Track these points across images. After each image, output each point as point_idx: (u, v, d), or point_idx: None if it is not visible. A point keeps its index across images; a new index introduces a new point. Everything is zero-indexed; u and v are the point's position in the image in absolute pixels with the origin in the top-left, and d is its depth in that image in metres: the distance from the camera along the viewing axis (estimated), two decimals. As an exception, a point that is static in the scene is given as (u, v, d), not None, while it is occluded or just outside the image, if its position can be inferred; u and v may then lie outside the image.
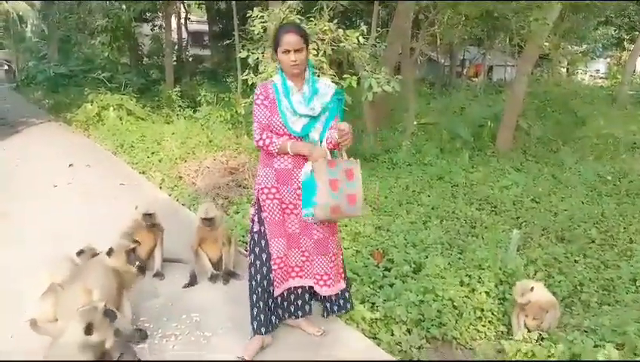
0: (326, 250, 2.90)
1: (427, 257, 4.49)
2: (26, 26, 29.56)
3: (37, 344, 2.88)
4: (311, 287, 3.00)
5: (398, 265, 4.28)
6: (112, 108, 11.96)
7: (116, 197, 6.35)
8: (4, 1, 16.85)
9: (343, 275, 3.08)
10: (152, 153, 8.74)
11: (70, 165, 7.99)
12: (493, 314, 3.78)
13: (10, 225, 5.23)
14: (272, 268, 2.83)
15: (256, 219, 2.91)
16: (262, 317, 2.88)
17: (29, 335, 2.98)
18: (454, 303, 3.72)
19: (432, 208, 6.21)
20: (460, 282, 4.00)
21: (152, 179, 7.37)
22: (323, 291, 2.94)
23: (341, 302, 3.12)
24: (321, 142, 2.79)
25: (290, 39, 2.69)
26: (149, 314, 3.43)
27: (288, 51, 2.69)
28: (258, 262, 2.88)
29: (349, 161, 2.82)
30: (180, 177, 7.39)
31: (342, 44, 6.78)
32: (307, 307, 3.10)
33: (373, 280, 4.01)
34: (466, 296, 3.84)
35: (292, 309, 3.06)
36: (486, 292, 3.92)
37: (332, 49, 6.88)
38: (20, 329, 3.07)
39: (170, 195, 6.63)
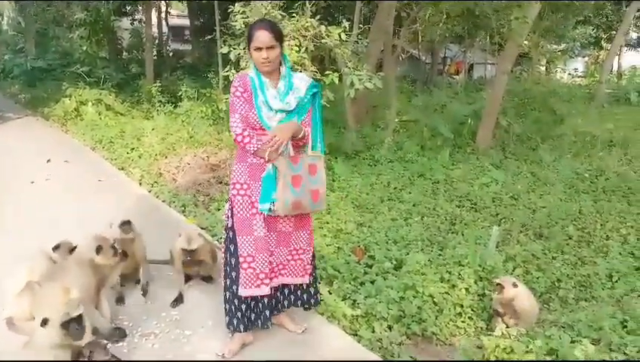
0: (287, 243, 2.91)
1: (408, 254, 4.51)
2: (2, 19, 28.97)
3: (14, 342, 2.84)
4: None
5: (379, 261, 4.29)
6: (90, 103, 11.79)
7: (95, 193, 6.27)
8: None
9: (308, 271, 3.06)
10: (132, 149, 8.64)
11: (48, 161, 7.86)
12: (472, 310, 3.83)
13: (-15, 222, 5.13)
14: (242, 266, 2.80)
15: (229, 214, 2.90)
16: (239, 314, 2.87)
17: (6, 334, 2.93)
18: (434, 299, 3.75)
19: (413, 205, 6.24)
20: (441, 278, 4.02)
21: (131, 175, 7.29)
22: (289, 280, 2.99)
23: (305, 296, 3.16)
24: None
25: (261, 36, 2.65)
26: (127, 313, 3.40)
27: (260, 49, 2.66)
28: (233, 260, 2.86)
29: (313, 155, 2.83)
30: (161, 173, 7.33)
31: (324, 41, 6.76)
32: (286, 302, 3.11)
33: (354, 277, 4.02)
34: (446, 293, 3.87)
35: (267, 312, 2.96)
36: (466, 288, 3.96)
37: (314, 45, 6.86)
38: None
39: (149, 192, 6.56)
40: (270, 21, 2.91)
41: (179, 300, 3.53)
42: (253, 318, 2.93)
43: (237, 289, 2.83)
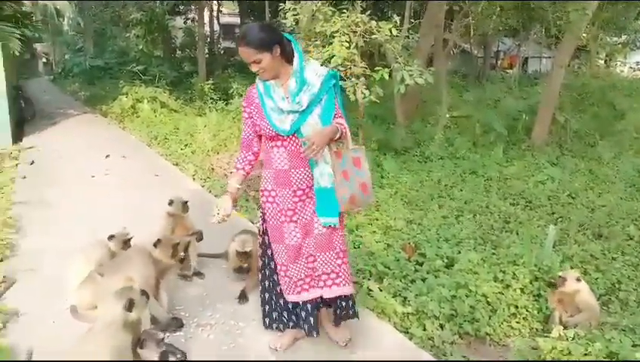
0: (331, 245, 2.72)
1: (460, 252, 4.45)
2: (63, 20, 30.26)
3: (78, 330, 2.97)
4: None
5: (430, 259, 4.25)
6: (146, 101, 12.19)
7: (151, 187, 6.48)
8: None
9: (351, 279, 2.87)
10: (185, 145, 8.88)
11: (107, 156, 8.17)
12: (527, 310, 3.73)
13: (51, 213, 5.39)
14: (280, 273, 2.75)
15: (262, 220, 2.84)
16: (285, 315, 2.86)
17: (69, 322, 3.08)
18: (488, 299, 3.68)
19: (465, 202, 6.13)
20: (494, 278, 3.95)
21: (185, 171, 7.48)
22: (333, 291, 2.73)
23: (348, 305, 2.91)
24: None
25: (242, 53, 2.51)
26: (184, 304, 3.50)
27: (249, 63, 2.53)
28: (272, 264, 2.81)
29: (355, 148, 2.71)
30: (212, 169, 7.49)
31: (374, 36, 6.73)
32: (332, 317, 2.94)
33: (404, 274, 4.00)
34: (499, 292, 3.79)
35: (302, 323, 2.83)
36: (520, 288, 3.86)
37: (364, 41, 6.84)
38: (61, 315, 3.17)
39: (202, 186, 6.71)
40: (250, 30, 2.52)
41: (243, 297, 3.57)
42: (299, 322, 2.84)
43: (278, 293, 2.81)
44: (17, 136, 9.48)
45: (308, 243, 2.70)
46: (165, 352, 2.57)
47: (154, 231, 3.81)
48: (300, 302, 2.76)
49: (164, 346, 2.58)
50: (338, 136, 2.57)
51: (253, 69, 2.52)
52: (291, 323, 2.88)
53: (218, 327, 3.22)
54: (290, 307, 2.83)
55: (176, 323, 3.12)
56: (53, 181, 6.74)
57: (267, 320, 2.94)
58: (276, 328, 2.94)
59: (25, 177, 6.87)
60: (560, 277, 3.55)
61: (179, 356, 2.64)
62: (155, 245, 3.22)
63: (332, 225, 2.65)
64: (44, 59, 33.73)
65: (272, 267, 2.81)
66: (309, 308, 2.76)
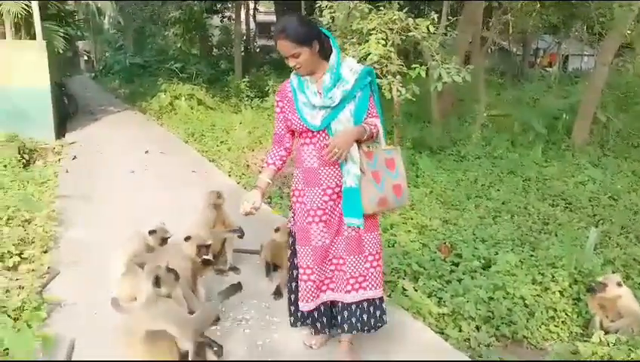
0: (360, 249, 2.62)
1: (497, 253, 4.39)
2: (104, 18, 31.06)
3: (118, 321, 3.06)
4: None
5: (467, 260, 4.20)
6: (183, 98, 12.41)
7: (188, 183, 6.59)
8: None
9: (381, 283, 2.73)
10: (221, 142, 9.01)
11: (146, 152, 8.36)
12: (567, 314, 3.65)
13: (93, 207, 5.55)
14: (301, 278, 2.65)
15: (292, 221, 2.79)
16: (298, 314, 2.81)
17: (110, 313, 3.16)
18: (526, 302, 3.63)
19: (503, 203, 6.03)
20: (532, 280, 3.88)
21: (221, 167, 7.58)
22: (350, 297, 2.63)
23: (365, 317, 2.69)
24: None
25: (280, 47, 2.44)
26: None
27: (287, 57, 2.47)
28: (294, 272, 2.78)
29: (388, 149, 2.63)
30: (248, 165, 7.57)
31: (411, 34, 6.67)
32: (345, 326, 2.70)
33: (440, 275, 3.97)
34: (538, 295, 3.73)
35: (333, 323, 2.78)
36: (560, 291, 3.79)
37: (401, 39, 6.78)
38: (103, 306, 3.26)
39: (238, 183, 6.79)
40: (291, 23, 2.45)
41: (278, 293, 3.58)
42: (314, 322, 2.79)
43: (294, 299, 2.77)
44: (60, 131, 9.78)
45: (337, 244, 2.62)
46: (202, 343, 2.60)
47: (190, 226, 3.88)
48: (328, 302, 2.73)
49: (201, 337, 2.62)
50: (367, 136, 2.51)
51: (291, 63, 2.47)
52: (300, 322, 2.84)
53: (254, 322, 3.25)
54: (316, 315, 2.76)
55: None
56: (95, 175, 6.93)
57: (292, 319, 2.88)
58: (300, 326, 2.89)
59: (68, 171, 7.10)
60: (600, 282, 3.44)
61: (215, 349, 2.68)
62: (185, 240, 3.26)
63: (357, 227, 2.57)
64: (85, 57, 34.70)
65: (294, 275, 2.77)
66: (322, 309, 2.72)
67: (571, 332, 3.54)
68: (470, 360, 2.99)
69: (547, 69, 23.33)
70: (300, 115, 2.54)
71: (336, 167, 2.54)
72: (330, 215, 2.60)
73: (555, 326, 3.55)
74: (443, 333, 3.29)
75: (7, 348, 2.78)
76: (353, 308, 2.68)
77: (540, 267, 4.10)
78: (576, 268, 4.00)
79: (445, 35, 7.80)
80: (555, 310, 3.63)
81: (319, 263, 2.62)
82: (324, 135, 2.53)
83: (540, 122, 9.40)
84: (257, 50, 23.66)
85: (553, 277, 3.92)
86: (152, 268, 2.69)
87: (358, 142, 2.50)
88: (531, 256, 4.44)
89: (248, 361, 2.87)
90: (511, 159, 7.92)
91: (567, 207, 6.11)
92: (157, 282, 2.59)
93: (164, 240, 3.62)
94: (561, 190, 6.58)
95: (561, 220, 5.60)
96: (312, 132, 2.54)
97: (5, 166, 6.92)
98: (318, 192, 2.58)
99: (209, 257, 3.31)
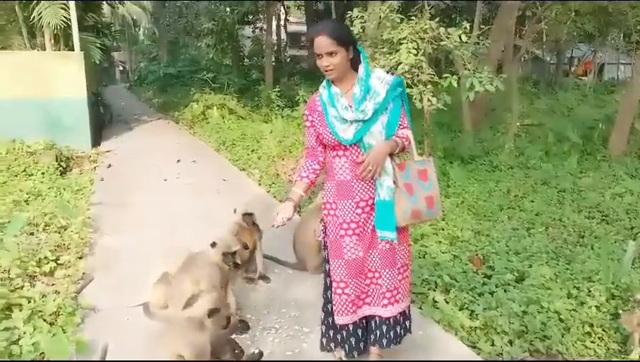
0: (393, 261, 2.59)
1: (531, 266, 4.29)
2: (139, 29, 31.84)
3: (150, 328, 3.10)
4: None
5: (500, 272, 4.12)
6: (215, 108, 12.58)
7: (219, 191, 6.66)
8: (120, 5, 18.17)
9: (409, 293, 2.72)
10: (252, 151, 9.08)
11: (178, 161, 8.50)
12: (604, 330, 3.53)
13: (126, 214, 5.66)
14: (336, 291, 2.61)
15: (323, 235, 2.74)
16: (330, 334, 2.76)
17: (142, 320, 3.21)
18: (561, 316, 3.53)
19: (536, 214, 5.90)
20: (568, 294, 3.78)
21: (251, 176, 7.64)
22: (387, 311, 2.61)
23: (398, 329, 2.69)
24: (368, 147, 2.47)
25: (320, 42, 2.38)
26: (251, 307, 3.57)
27: (320, 55, 2.41)
28: (328, 280, 2.72)
29: (421, 160, 2.60)
30: (278, 175, 7.60)
31: (443, 43, 6.62)
32: (384, 341, 2.67)
33: (472, 287, 3.90)
34: (573, 310, 3.62)
35: (371, 338, 2.70)
36: (596, 306, 3.67)
37: (432, 48, 6.74)
38: (135, 312, 3.32)
39: (268, 192, 6.83)
40: (332, 23, 2.52)
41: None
42: (342, 341, 2.73)
43: (329, 311, 2.71)
44: (96, 140, 10.02)
45: (372, 257, 2.58)
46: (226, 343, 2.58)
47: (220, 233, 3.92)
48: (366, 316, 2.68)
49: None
50: (399, 150, 2.50)
51: (324, 62, 2.41)
52: (333, 343, 2.78)
53: (283, 332, 3.25)
54: (338, 325, 2.71)
55: (243, 326, 3.18)
56: (129, 184, 7.07)
57: (324, 340, 2.80)
58: (332, 348, 2.80)
59: (103, 179, 7.26)
60: (638, 301, 3.32)
61: (237, 351, 2.66)
62: (212, 246, 3.26)
63: (390, 240, 2.54)
64: (120, 68, 35.54)
65: (328, 283, 2.73)
66: (351, 328, 2.66)
67: (608, 348, 3.42)
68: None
69: (582, 77, 22.87)
70: (331, 130, 2.50)
71: (370, 179, 2.51)
72: (363, 228, 2.57)
73: (592, 341, 3.43)
74: (475, 347, 3.23)
75: (43, 352, 2.84)
76: (391, 322, 2.65)
77: (575, 281, 4.00)
78: (614, 283, 3.89)
79: (477, 43, 7.72)
80: (592, 325, 3.52)
81: (354, 277, 2.58)
82: (356, 148, 2.50)
83: (575, 132, 9.22)
84: (288, 60, 23.83)
85: (589, 291, 3.81)
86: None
87: (391, 155, 2.49)
88: (566, 269, 4.33)
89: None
90: (545, 170, 7.76)
91: (603, 219, 5.95)
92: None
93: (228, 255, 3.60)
94: (598, 202, 6.41)
95: (598, 233, 5.45)
96: (345, 146, 2.51)
97: (43, 173, 7.13)
98: (351, 205, 2.55)
99: (237, 260, 3.30)
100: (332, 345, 2.78)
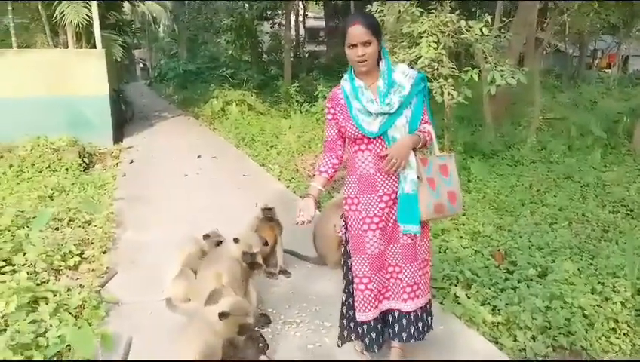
0: (414, 256, 2.58)
1: (554, 261, 4.24)
2: (159, 27, 32.10)
3: (173, 321, 3.14)
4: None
5: (522, 268, 4.07)
6: (234, 104, 12.65)
7: (239, 187, 6.70)
8: (140, 3, 18.33)
9: (430, 288, 2.72)
10: (271, 146, 9.11)
11: (198, 156, 8.56)
12: (629, 326, 3.47)
13: (149, 209, 5.73)
14: (358, 287, 2.59)
15: (344, 230, 2.73)
16: (350, 326, 2.76)
17: (165, 313, 3.25)
18: (585, 312, 3.47)
19: (559, 209, 5.82)
20: (592, 290, 3.72)
21: (271, 171, 7.67)
22: (407, 306, 2.60)
23: (420, 325, 2.67)
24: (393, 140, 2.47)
25: (355, 31, 2.37)
26: (272, 301, 3.59)
27: (354, 45, 2.39)
28: (350, 275, 2.70)
29: (442, 155, 2.60)
30: (297, 170, 7.62)
31: (463, 36, 6.55)
32: (404, 334, 2.65)
33: (494, 282, 3.86)
34: (597, 305, 3.56)
35: (390, 332, 2.70)
36: (621, 302, 3.60)
37: (453, 41, 6.68)
38: (158, 306, 3.36)
39: (287, 187, 6.85)
40: (365, 14, 2.51)
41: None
42: (362, 335, 2.72)
43: (351, 304, 2.70)
44: (118, 136, 10.16)
45: (393, 252, 2.58)
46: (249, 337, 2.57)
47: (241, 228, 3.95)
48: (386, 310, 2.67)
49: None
50: (421, 144, 2.50)
51: (359, 52, 2.39)
52: (354, 335, 2.77)
53: (304, 326, 3.27)
54: (372, 323, 2.68)
55: (264, 320, 3.19)
56: (150, 179, 7.16)
57: (345, 332, 2.80)
58: (351, 340, 2.80)
59: (125, 175, 7.36)
60: None
61: (261, 344, 2.66)
62: (234, 241, 3.24)
63: (413, 233, 2.54)
64: (141, 65, 35.90)
65: (350, 277, 2.71)
66: (372, 323, 2.65)
67: (634, 344, 3.36)
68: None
69: (606, 70, 22.46)
70: (355, 122, 2.49)
71: (394, 173, 2.50)
72: (386, 222, 2.56)
73: (617, 337, 3.38)
74: (497, 342, 3.20)
75: (69, 344, 2.89)
76: (411, 316, 2.64)
77: (599, 276, 3.94)
78: (639, 278, 3.81)
79: (499, 36, 7.62)
80: (617, 321, 3.46)
81: (376, 271, 2.58)
82: (380, 141, 2.50)
83: (598, 125, 9.06)
84: (306, 55, 23.82)
85: (614, 287, 3.75)
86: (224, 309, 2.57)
87: (414, 149, 2.49)
88: (590, 264, 4.27)
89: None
90: (568, 164, 7.65)
91: (628, 214, 5.84)
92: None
93: (218, 244, 3.68)
94: (622, 196, 6.30)
95: (622, 228, 5.35)
96: (368, 138, 2.51)
97: (67, 170, 7.25)
98: (375, 199, 2.54)
99: (258, 261, 3.29)
100: (352, 336, 2.78)
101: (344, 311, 2.80)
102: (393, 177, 2.52)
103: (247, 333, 2.52)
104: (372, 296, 2.59)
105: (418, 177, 2.50)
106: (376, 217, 2.54)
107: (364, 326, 2.67)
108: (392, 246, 2.58)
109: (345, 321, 2.81)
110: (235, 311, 2.49)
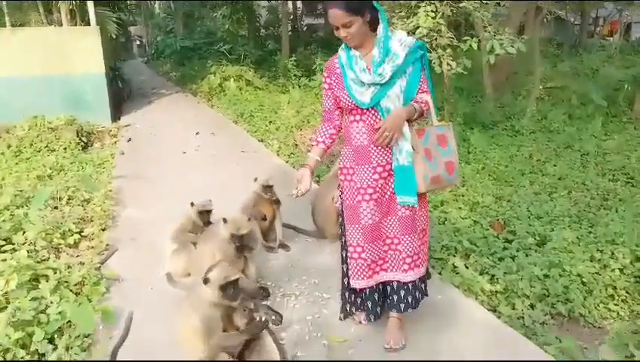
0: (414, 228, 2.58)
1: (553, 230, 4.25)
2: (155, 3, 31.64)
3: (173, 296, 3.16)
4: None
5: (521, 237, 4.09)
6: (232, 79, 12.52)
7: (238, 163, 6.68)
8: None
9: (427, 257, 2.76)
10: (270, 122, 9.06)
11: (197, 133, 8.52)
12: (627, 292, 3.50)
13: (147, 187, 5.73)
14: (352, 256, 2.63)
15: (340, 201, 2.73)
16: (351, 298, 2.80)
17: (165, 288, 3.28)
18: (583, 279, 3.51)
19: (559, 179, 5.82)
20: (590, 257, 3.74)
21: (269, 147, 7.64)
22: (408, 276, 2.61)
23: (417, 294, 2.70)
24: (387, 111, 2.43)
25: (332, 14, 2.33)
26: (271, 275, 3.61)
27: (337, 27, 2.37)
28: (344, 253, 2.74)
29: (440, 125, 2.56)
30: (296, 145, 7.59)
31: (462, 5, 6.44)
32: (402, 305, 2.68)
33: (492, 252, 3.88)
34: (596, 273, 3.59)
35: (388, 302, 2.73)
36: (620, 268, 3.64)
37: (451, 10, 6.57)
38: (158, 281, 3.39)
39: (286, 162, 6.83)
40: None
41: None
42: (361, 305, 2.79)
43: (347, 282, 2.73)
44: (116, 115, 10.09)
45: (391, 224, 2.58)
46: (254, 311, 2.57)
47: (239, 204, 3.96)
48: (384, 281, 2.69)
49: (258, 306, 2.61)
50: (417, 115, 2.46)
51: (341, 33, 2.37)
52: (354, 307, 2.83)
53: (303, 298, 3.29)
54: (368, 292, 2.72)
55: (264, 293, 3.21)
56: (149, 157, 7.14)
57: (347, 306, 2.85)
58: (352, 312, 2.86)
59: (123, 153, 7.34)
60: None
61: (274, 317, 2.64)
62: (224, 221, 3.18)
63: (411, 205, 2.52)
64: (137, 42, 35.47)
65: (345, 255, 2.73)
66: (368, 292, 2.69)
67: (632, 310, 3.39)
68: (524, 338, 2.91)
69: (608, 38, 22.17)
70: (348, 92, 2.47)
71: (387, 145, 2.48)
72: (381, 193, 2.56)
73: (615, 304, 3.41)
74: (495, 311, 3.22)
75: (70, 320, 2.92)
76: (410, 287, 2.66)
77: (598, 244, 3.95)
78: (638, 245, 3.82)
79: (498, 5, 7.50)
80: (615, 288, 3.49)
81: (370, 242, 2.59)
82: (373, 112, 2.48)
83: (599, 94, 8.98)
84: (304, 29, 23.50)
85: (613, 254, 3.77)
86: (223, 279, 2.45)
87: (409, 121, 2.45)
88: (589, 232, 4.28)
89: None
90: (568, 133, 7.61)
91: (628, 182, 5.84)
92: (225, 293, 2.43)
93: (203, 213, 3.61)
94: (622, 164, 6.28)
95: (622, 195, 5.35)
96: (362, 109, 2.48)
97: (65, 148, 7.23)
98: (368, 170, 2.53)
99: (246, 243, 3.21)
100: (353, 309, 2.82)
101: (345, 284, 2.82)
102: (387, 149, 2.50)
103: (235, 295, 2.46)
104: (365, 264, 2.61)
105: (413, 148, 2.47)
106: (370, 188, 2.54)
107: (363, 295, 2.71)
108: (389, 218, 2.58)
109: (347, 294, 2.84)
110: (218, 276, 2.44)
